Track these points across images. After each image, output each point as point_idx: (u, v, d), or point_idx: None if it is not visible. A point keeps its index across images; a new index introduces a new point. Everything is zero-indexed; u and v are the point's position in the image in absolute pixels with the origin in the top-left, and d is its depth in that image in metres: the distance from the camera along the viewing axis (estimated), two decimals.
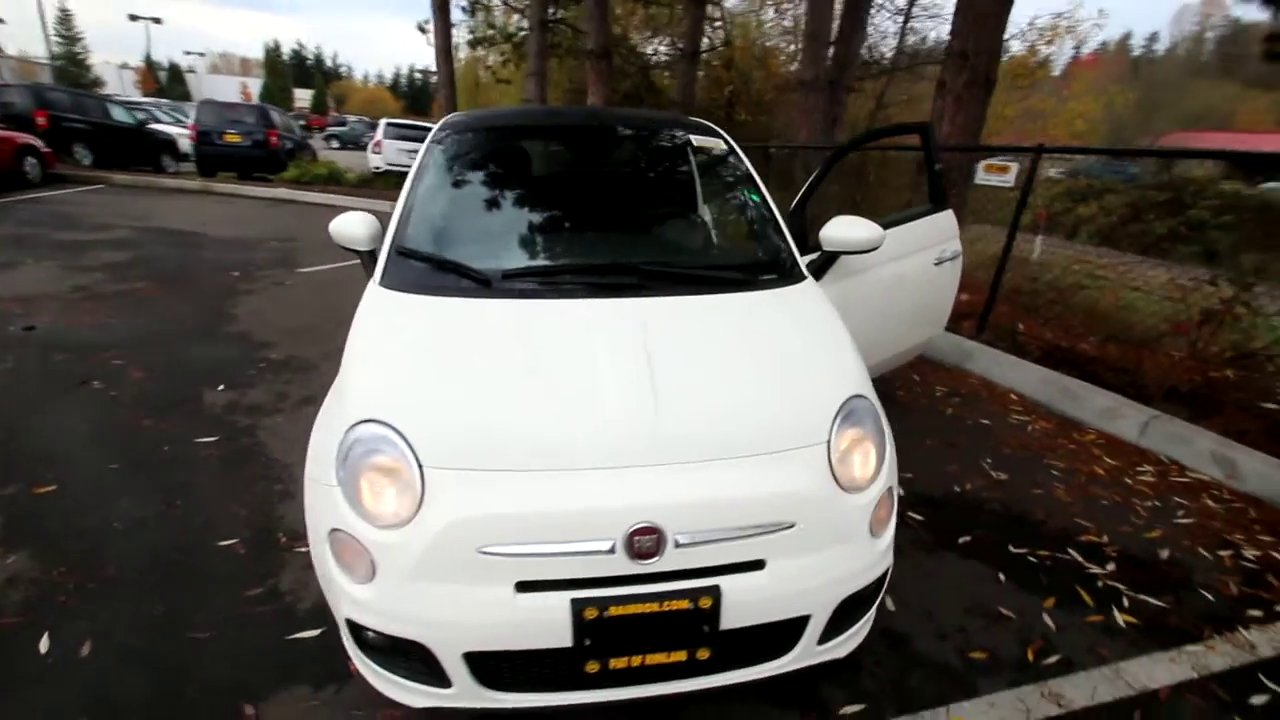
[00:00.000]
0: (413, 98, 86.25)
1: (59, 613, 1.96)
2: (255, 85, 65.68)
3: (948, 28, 5.51)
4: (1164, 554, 2.47)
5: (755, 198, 2.40)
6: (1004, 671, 1.89)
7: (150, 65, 62.40)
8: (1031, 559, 2.39)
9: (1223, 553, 2.48)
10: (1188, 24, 77.86)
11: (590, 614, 1.37)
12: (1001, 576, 2.28)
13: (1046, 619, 2.09)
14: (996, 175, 4.42)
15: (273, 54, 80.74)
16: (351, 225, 2.20)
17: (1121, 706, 1.78)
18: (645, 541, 1.37)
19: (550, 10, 9.57)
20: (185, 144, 13.48)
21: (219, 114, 12.67)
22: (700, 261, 2.20)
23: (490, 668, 1.43)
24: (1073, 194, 6.04)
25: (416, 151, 2.65)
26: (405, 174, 2.37)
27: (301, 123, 26.35)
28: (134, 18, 40.65)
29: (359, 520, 1.42)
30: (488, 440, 1.45)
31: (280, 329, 4.62)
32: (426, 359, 1.64)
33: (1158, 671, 1.91)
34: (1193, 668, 1.93)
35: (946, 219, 3.19)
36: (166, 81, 63.53)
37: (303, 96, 69.67)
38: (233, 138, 12.40)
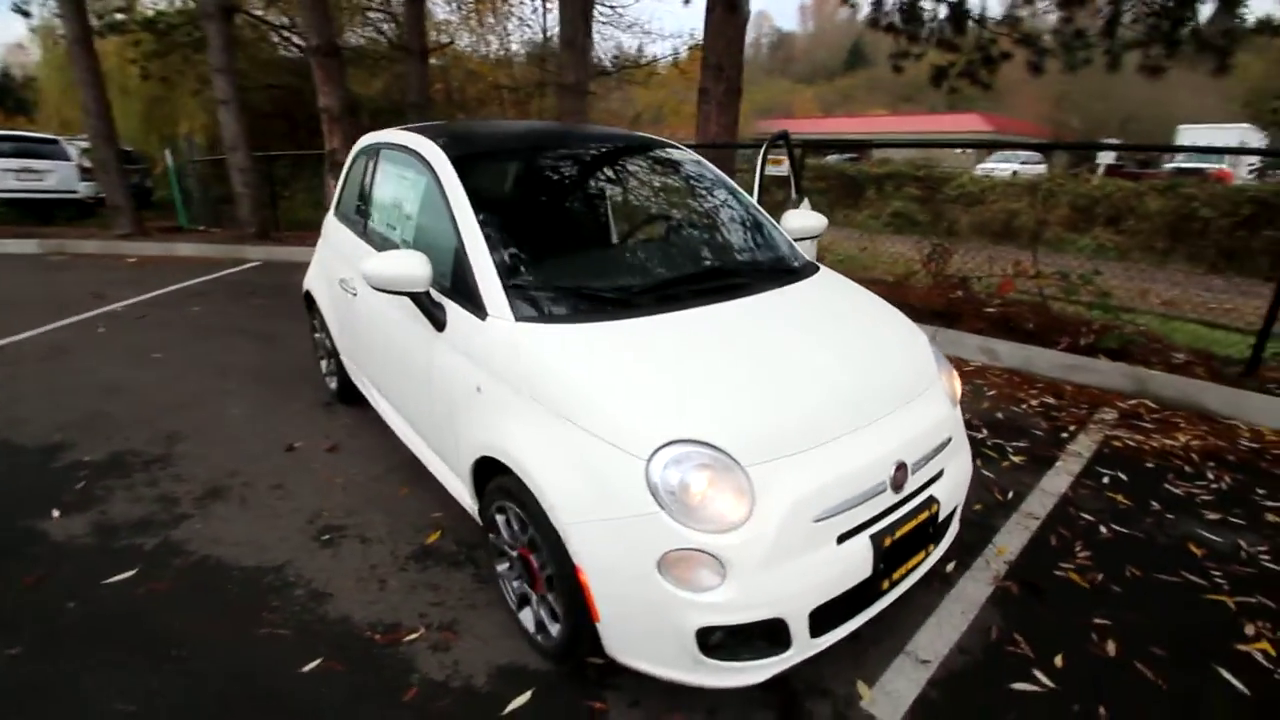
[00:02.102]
0: None
1: None
2: None
3: (639, 41, 6.40)
4: (1000, 416, 3.67)
5: (741, 200, 2.79)
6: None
7: None
8: None
9: (1023, 406, 3.78)
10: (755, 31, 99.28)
11: (886, 542, 1.70)
12: None
13: (985, 473, 3.01)
14: (774, 166, 5.50)
15: None
16: (407, 266, 1.98)
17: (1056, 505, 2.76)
18: (899, 475, 1.75)
19: None
20: None
21: None
22: (756, 261, 2.44)
23: (818, 617, 1.65)
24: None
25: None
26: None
27: None
28: None
29: (697, 533, 1.49)
30: (772, 430, 1.63)
31: (53, 424, 3.40)
32: (662, 377, 1.70)
33: (1058, 482, 2.96)
34: (1066, 473, 3.03)
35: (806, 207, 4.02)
36: None
37: None
38: None
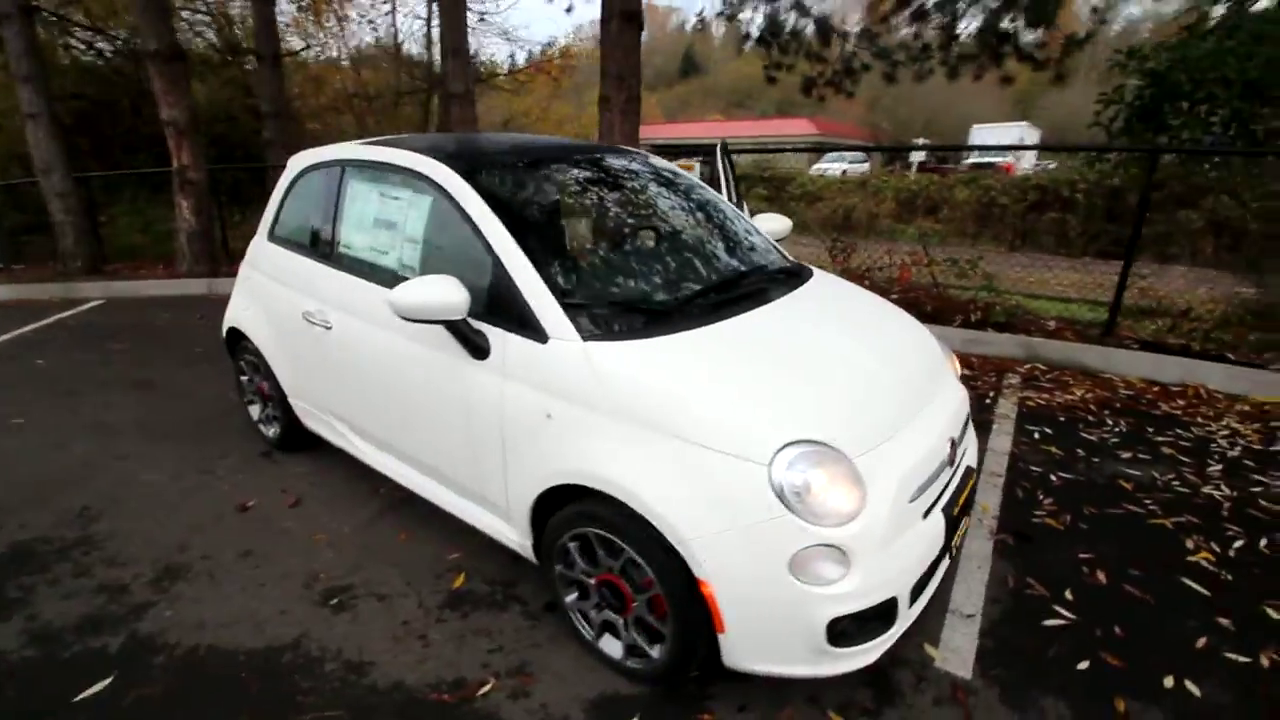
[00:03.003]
0: None
1: None
2: None
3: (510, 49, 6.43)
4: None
5: (728, 208, 2.87)
6: None
7: None
8: None
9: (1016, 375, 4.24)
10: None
11: (954, 512, 1.87)
12: None
13: None
14: (687, 171, 5.68)
15: None
16: (443, 293, 1.85)
17: (1010, 463, 3.14)
18: (952, 451, 1.93)
19: None
20: None
21: None
22: (765, 266, 2.49)
23: (914, 591, 1.76)
24: None
25: None
26: None
27: None
28: None
29: (823, 529, 1.54)
30: (861, 423, 1.73)
31: None
32: (752, 384, 1.74)
33: (1003, 441, 3.36)
34: (1005, 433, 3.45)
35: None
36: None
37: None
38: None
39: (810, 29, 7.45)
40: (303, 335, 2.70)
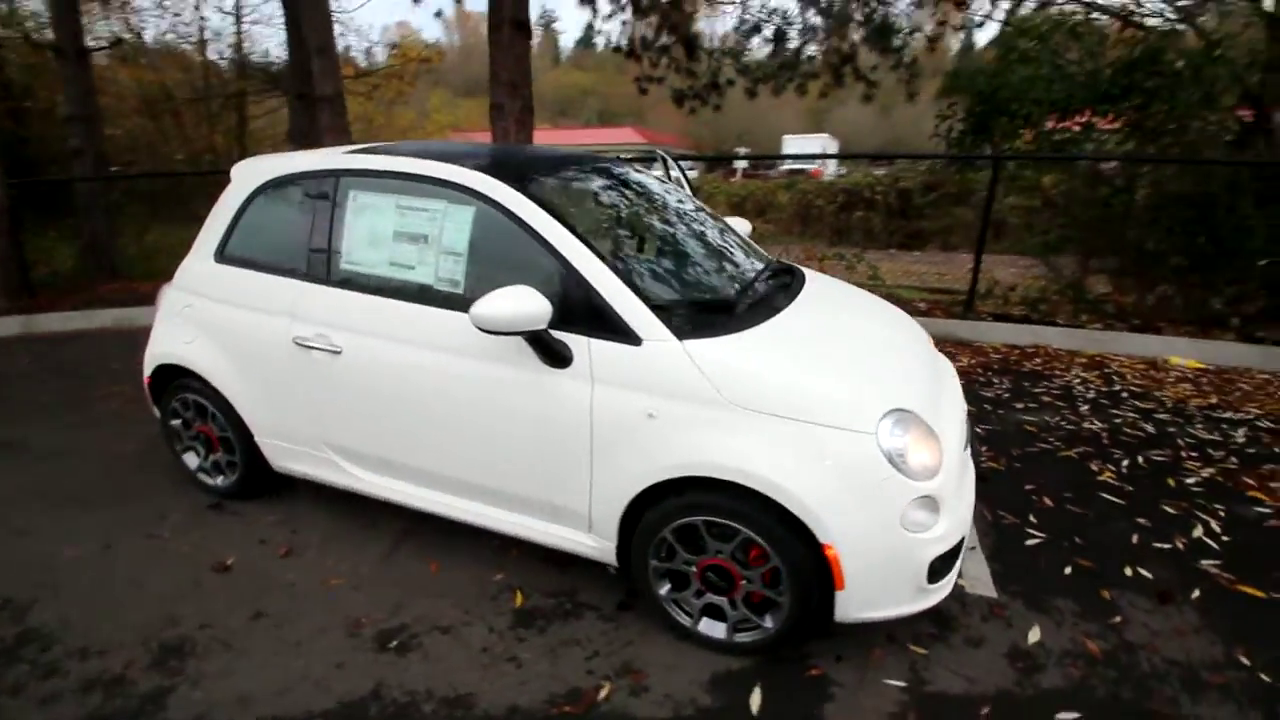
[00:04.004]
0: None
1: None
2: None
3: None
4: None
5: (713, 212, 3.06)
6: None
7: None
8: None
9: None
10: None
11: (982, 462, 2.23)
12: None
13: None
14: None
15: None
16: (528, 304, 1.85)
17: None
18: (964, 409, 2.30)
19: None
20: None
21: None
22: (772, 263, 2.71)
23: None
24: None
25: None
26: None
27: None
28: None
29: (921, 482, 1.80)
30: (919, 393, 2.01)
31: None
32: (836, 367, 1.97)
33: None
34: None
35: None
36: None
37: None
38: None
39: (675, 44, 7.89)
40: (288, 364, 2.43)
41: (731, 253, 2.62)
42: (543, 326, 1.88)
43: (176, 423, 2.91)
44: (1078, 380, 4.29)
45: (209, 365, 2.64)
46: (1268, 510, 2.80)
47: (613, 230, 2.31)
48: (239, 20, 12.67)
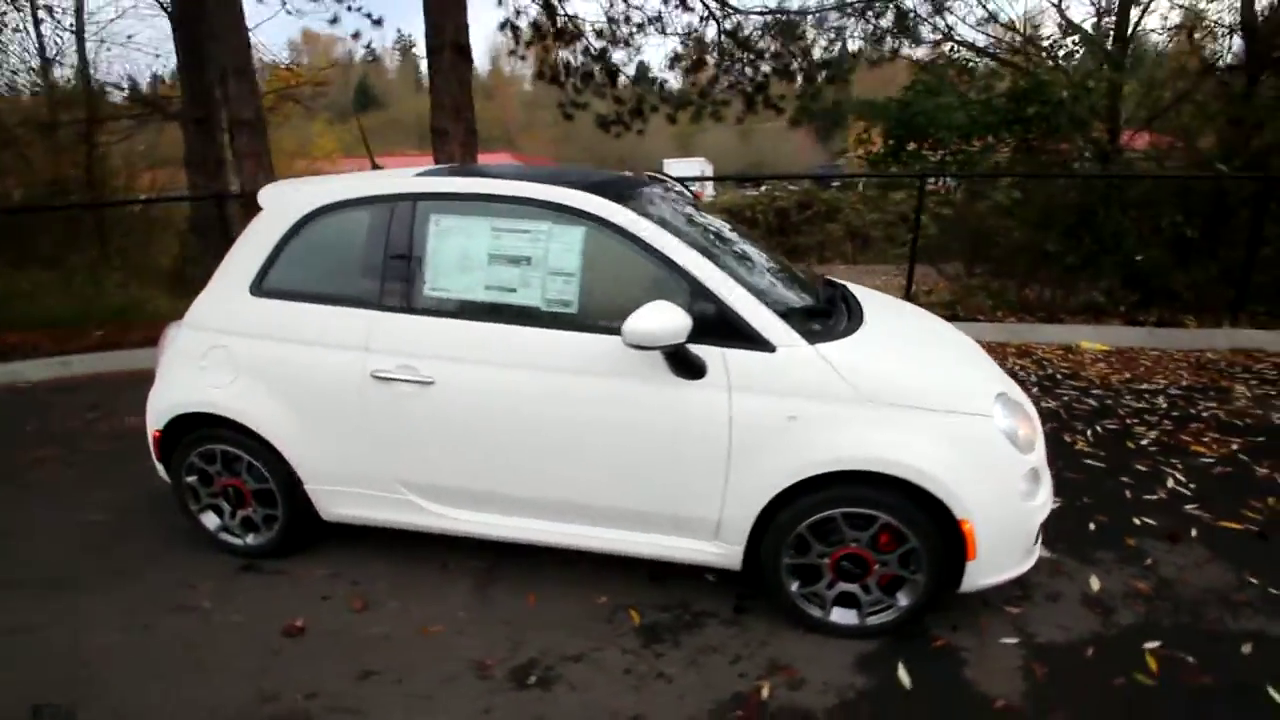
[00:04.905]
0: None
1: None
2: None
3: None
4: None
5: None
6: None
7: None
8: None
9: None
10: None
11: None
12: None
13: None
14: None
15: None
16: (673, 319, 1.91)
17: None
18: None
19: None
20: None
21: None
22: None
23: None
24: None
25: None
26: None
27: None
28: None
29: (1029, 456, 2.05)
30: (995, 375, 2.28)
31: None
32: (946, 362, 2.25)
33: None
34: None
35: None
36: None
37: None
38: None
39: (598, 71, 8.09)
40: (358, 400, 2.27)
41: (780, 262, 2.80)
42: (685, 340, 1.93)
43: (190, 480, 2.58)
44: (1018, 367, 4.89)
45: (253, 410, 2.38)
46: (1212, 459, 3.38)
47: (714, 244, 2.39)
48: (81, 40, 11.29)
